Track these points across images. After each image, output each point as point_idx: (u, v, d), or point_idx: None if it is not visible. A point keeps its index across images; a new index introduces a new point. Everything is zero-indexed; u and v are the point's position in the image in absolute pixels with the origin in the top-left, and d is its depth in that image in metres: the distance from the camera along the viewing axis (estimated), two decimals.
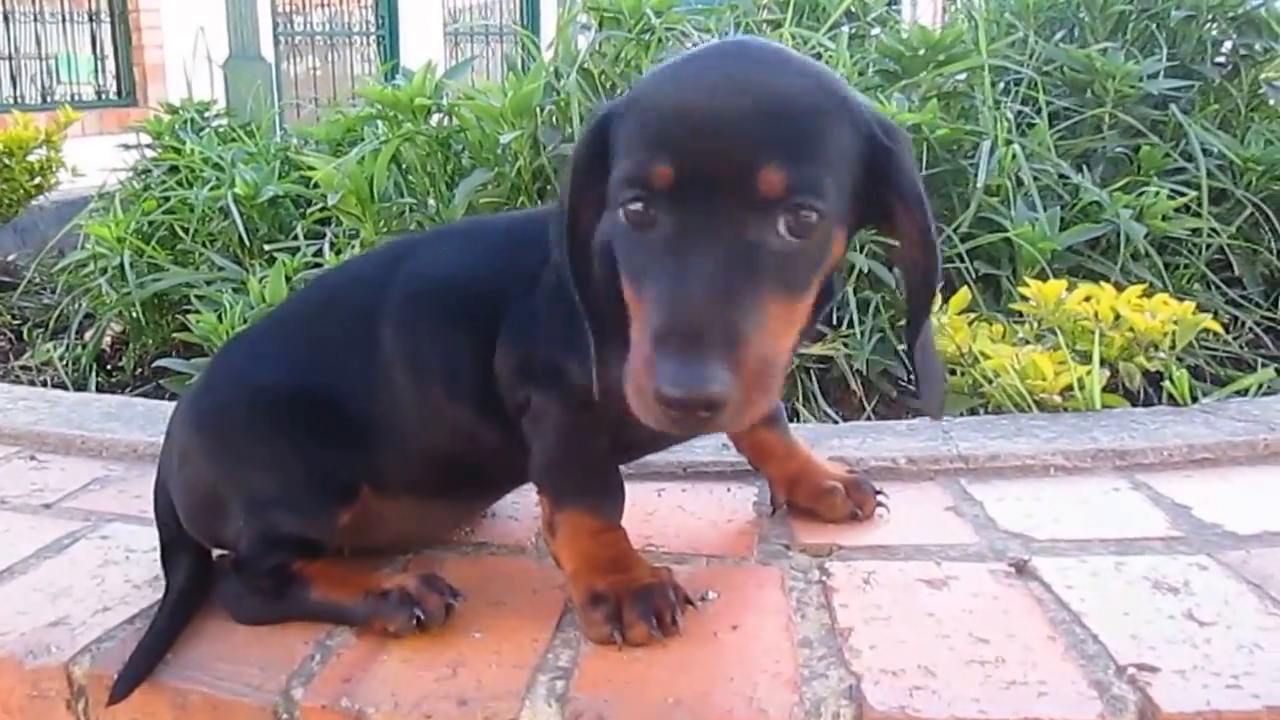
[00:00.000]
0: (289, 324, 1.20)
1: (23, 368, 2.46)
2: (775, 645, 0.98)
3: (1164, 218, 2.15)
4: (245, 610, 1.08)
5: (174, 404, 1.22)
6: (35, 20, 8.35)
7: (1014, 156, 2.17)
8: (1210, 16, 2.65)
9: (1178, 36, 2.66)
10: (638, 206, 0.84)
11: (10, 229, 3.63)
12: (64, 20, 8.47)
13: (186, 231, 2.61)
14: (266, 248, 2.45)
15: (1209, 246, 2.24)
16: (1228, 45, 2.69)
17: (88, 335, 2.54)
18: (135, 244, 2.51)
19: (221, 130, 3.22)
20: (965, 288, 1.89)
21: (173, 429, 1.17)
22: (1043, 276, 1.93)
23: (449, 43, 10.96)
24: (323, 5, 10.46)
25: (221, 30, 5.98)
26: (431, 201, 2.36)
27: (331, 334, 1.15)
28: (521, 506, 1.31)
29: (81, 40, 8.59)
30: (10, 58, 8.20)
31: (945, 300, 1.81)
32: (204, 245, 2.58)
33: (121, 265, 2.45)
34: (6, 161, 3.41)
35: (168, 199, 2.68)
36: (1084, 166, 2.35)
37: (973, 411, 1.69)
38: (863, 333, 1.93)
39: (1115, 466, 1.38)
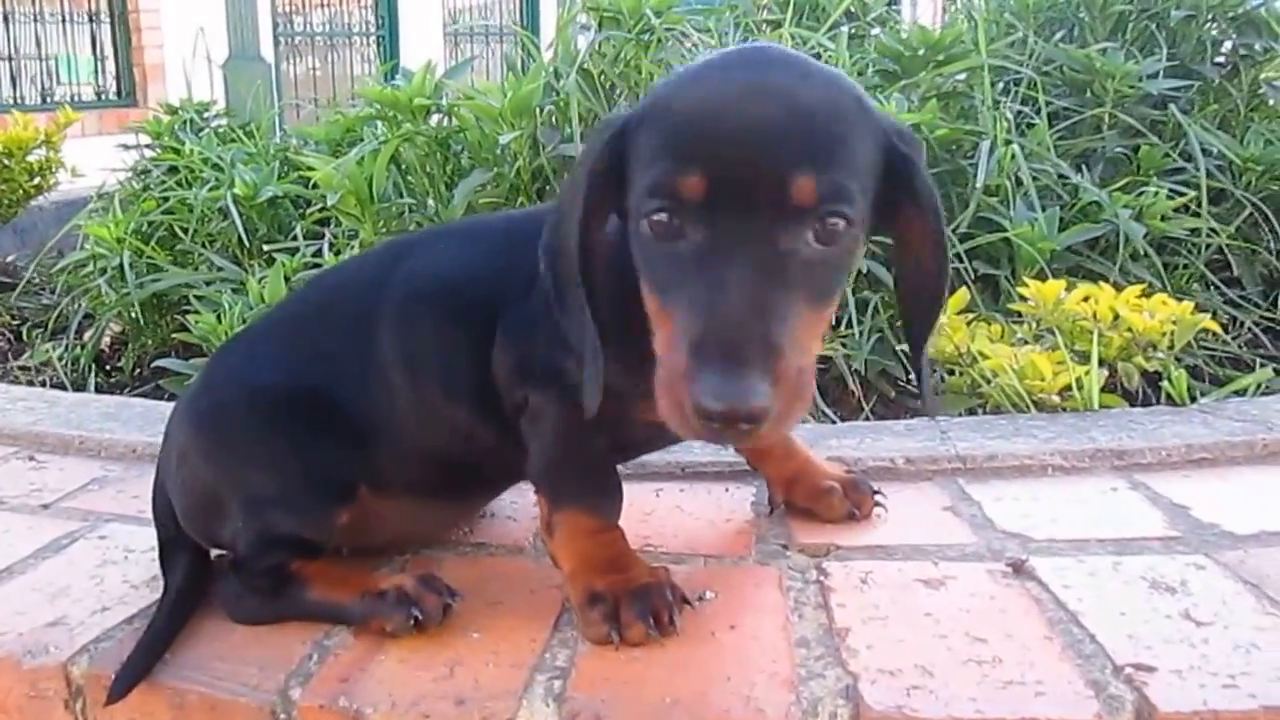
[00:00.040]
0: (287, 324, 1.20)
1: (21, 368, 2.46)
2: (773, 645, 0.98)
3: (1163, 218, 2.15)
4: (243, 610, 1.09)
5: (172, 404, 1.22)
6: (35, 21, 8.35)
7: (1013, 156, 2.17)
8: (1210, 16, 2.65)
9: (1177, 36, 2.66)
10: (663, 217, 0.83)
11: (10, 229, 3.63)
12: (64, 21, 8.47)
13: (186, 232, 2.62)
14: (266, 248, 2.45)
15: (1208, 246, 2.25)
16: (1227, 45, 2.69)
17: (87, 335, 2.54)
18: (134, 244, 2.51)
19: (221, 131, 3.22)
20: (964, 288, 1.89)
21: (171, 429, 1.17)
22: (1042, 276, 1.93)
23: (449, 43, 10.96)
24: (323, 5, 10.46)
25: (221, 30, 5.97)
26: (431, 202, 2.36)
27: (329, 334, 1.15)
28: (520, 507, 1.31)
29: (81, 41, 8.59)
30: (10, 58, 8.20)
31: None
32: (203, 246, 2.58)
33: (121, 266, 2.45)
34: (6, 162, 3.41)
35: (167, 199, 2.69)
36: (1083, 166, 2.35)
37: (971, 411, 1.69)
38: (861, 333, 1.93)
39: (1113, 466, 1.38)
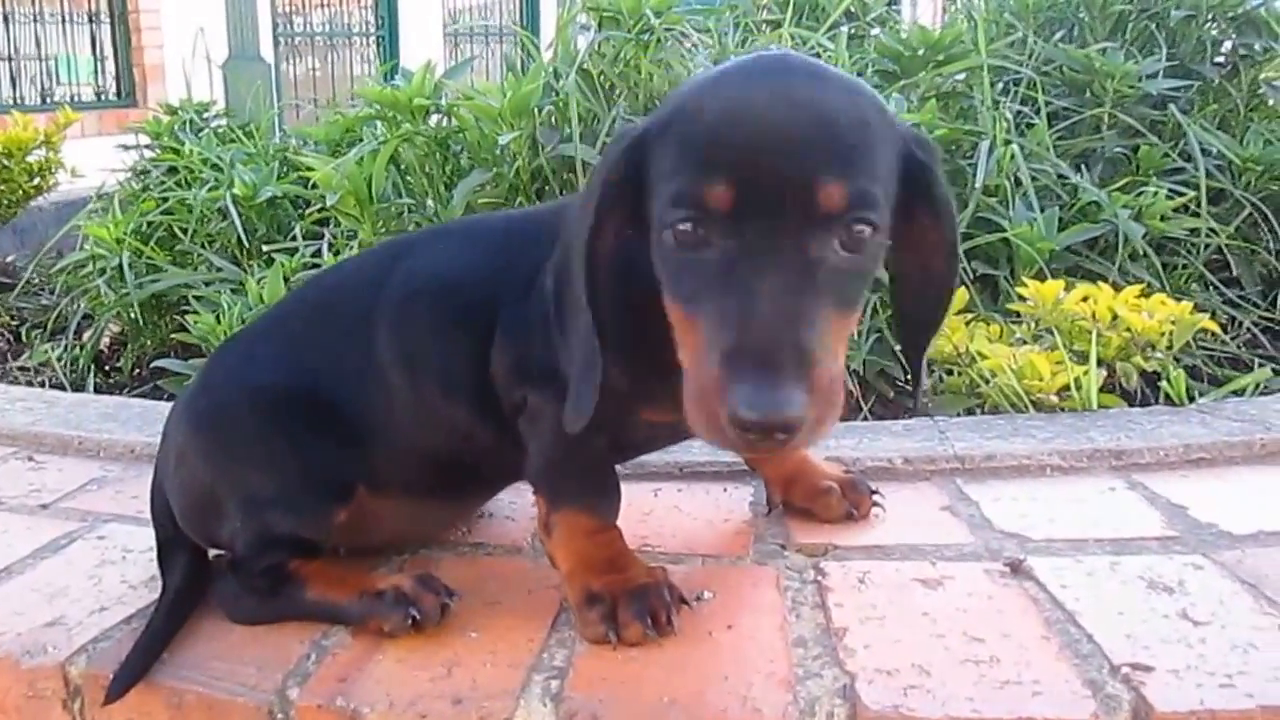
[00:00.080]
0: (285, 324, 1.20)
1: (21, 368, 2.46)
2: (770, 645, 0.98)
3: (1162, 218, 2.15)
4: (241, 610, 1.09)
5: (171, 405, 1.22)
6: (35, 21, 8.35)
7: (1012, 156, 2.17)
8: (1210, 16, 2.65)
9: (1177, 36, 2.66)
10: (688, 226, 0.82)
11: (9, 230, 3.63)
12: (64, 21, 8.47)
13: (185, 232, 2.61)
14: (265, 248, 2.45)
15: (1207, 246, 2.24)
16: (1227, 45, 2.69)
17: (86, 336, 2.54)
18: (134, 245, 2.51)
19: (220, 131, 3.22)
20: (963, 288, 1.89)
21: (169, 430, 1.17)
22: (1040, 276, 1.93)
23: (449, 43, 10.96)
24: (322, 6, 10.46)
25: (221, 31, 5.98)
26: (430, 202, 2.36)
27: (327, 334, 1.15)
28: (518, 507, 1.31)
29: (81, 41, 8.59)
30: (10, 59, 8.21)
31: None
32: (202, 246, 2.58)
33: (120, 266, 2.45)
34: (5, 162, 3.41)
35: (166, 200, 2.69)
36: (1083, 166, 2.35)
37: (969, 411, 1.69)
38: (860, 333, 1.93)
39: (1111, 466, 1.38)
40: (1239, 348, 2.12)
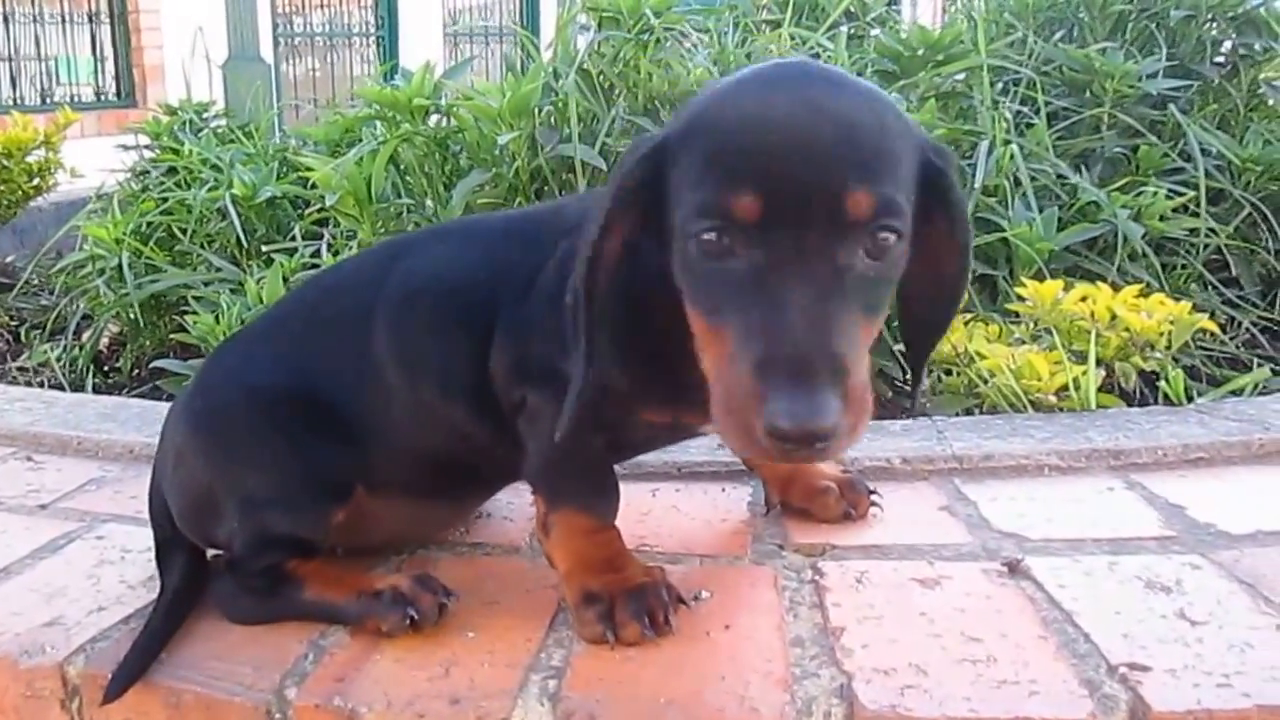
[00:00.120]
0: (283, 325, 1.20)
1: (20, 369, 2.46)
2: (768, 644, 0.98)
3: (1162, 218, 2.15)
4: (239, 610, 1.09)
5: (170, 405, 1.22)
6: (35, 22, 8.35)
7: (1012, 156, 2.17)
8: (1210, 16, 2.65)
9: (1177, 36, 2.66)
10: (712, 236, 0.82)
11: (9, 230, 3.63)
12: (63, 21, 8.46)
13: (184, 232, 2.61)
14: (264, 249, 2.45)
15: (1206, 246, 2.24)
16: (1227, 45, 2.68)
17: (85, 336, 2.54)
18: (133, 245, 2.51)
19: (220, 131, 3.22)
20: None
21: (167, 430, 1.17)
22: (1040, 277, 1.93)
23: (449, 44, 10.96)
24: (322, 6, 10.46)
25: (221, 31, 5.98)
26: (429, 202, 2.36)
27: (326, 334, 1.15)
28: (516, 507, 1.31)
29: (81, 41, 8.59)
30: (10, 59, 8.21)
31: None
32: (202, 246, 2.58)
33: (119, 266, 2.45)
34: (5, 163, 3.41)
35: (166, 200, 2.68)
36: (1082, 166, 2.35)
37: (968, 411, 1.69)
38: None
39: (1110, 466, 1.38)
40: (1238, 348, 2.12)
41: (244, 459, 1.10)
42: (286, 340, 1.17)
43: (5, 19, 8.13)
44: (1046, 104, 2.36)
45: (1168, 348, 1.75)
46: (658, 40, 2.35)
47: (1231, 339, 2.13)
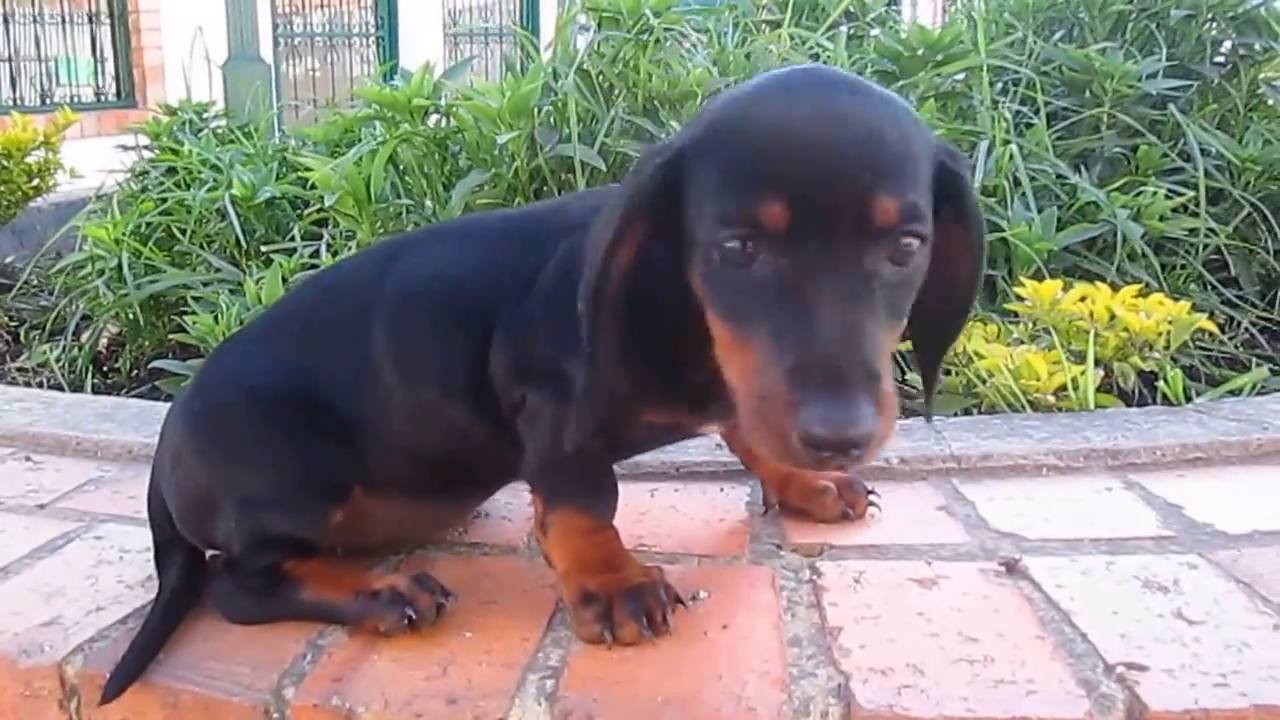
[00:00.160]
0: (282, 325, 1.20)
1: (19, 369, 2.46)
2: (765, 644, 0.99)
3: (1161, 218, 2.15)
4: (237, 610, 1.09)
5: (168, 405, 1.22)
6: (35, 22, 8.36)
7: (1011, 156, 2.17)
8: (1209, 16, 2.65)
9: (1177, 36, 2.66)
10: (737, 245, 0.82)
11: (8, 231, 3.63)
12: (63, 22, 8.47)
13: (184, 233, 2.62)
14: (263, 249, 2.45)
15: (1205, 246, 2.24)
16: (1227, 45, 2.68)
17: (84, 337, 2.54)
18: (132, 245, 2.51)
19: (220, 132, 3.22)
20: None
21: (166, 430, 1.17)
22: (1039, 276, 1.93)
23: (449, 44, 10.97)
24: (322, 6, 10.46)
25: (221, 31, 5.99)
26: (428, 202, 2.36)
27: (325, 334, 1.15)
28: (514, 507, 1.32)
29: (81, 42, 8.60)
30: (10, 60, 8.21)
31: None
32: (201, 247, 2.59)
33: (119, 267, 2.45)
34: (5, 163, 3.40)
35: (165, 200, 2.69)
36: (1082, 166, 2.35)
37: (966, 411, 1.69)
38: None
39: (1108, 466, 1.38)
40: (1236, 348, 2.12)
41: (243, 459, 1.10)
42: (285, 341, 1.17)
43: (5, 19, 8.14)
44: (1046, 104, 2.36)
45: (1166, 348, 1.75)
46: (657, 40, 2.35)
47: (1230, 339, 2.13)
